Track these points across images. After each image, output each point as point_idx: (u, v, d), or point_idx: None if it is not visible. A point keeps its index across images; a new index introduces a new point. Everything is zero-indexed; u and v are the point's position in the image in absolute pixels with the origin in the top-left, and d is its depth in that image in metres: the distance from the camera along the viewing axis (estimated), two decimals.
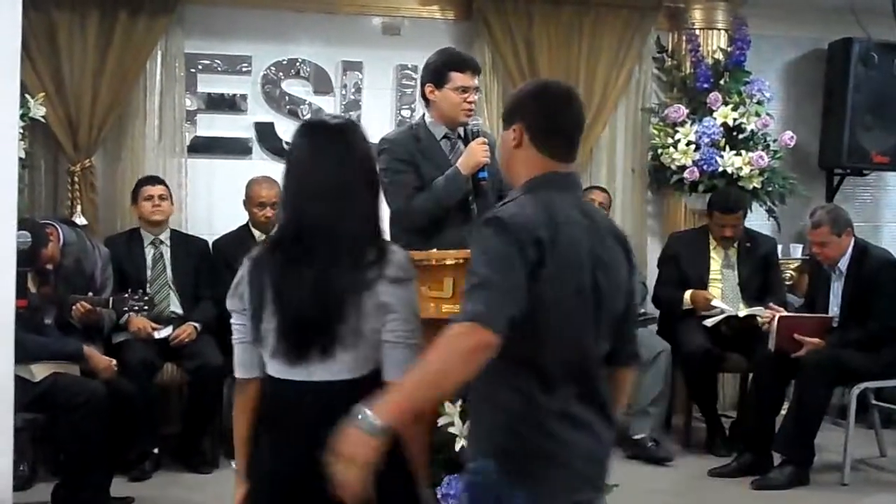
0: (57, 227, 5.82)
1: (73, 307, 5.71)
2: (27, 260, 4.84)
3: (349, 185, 2.69)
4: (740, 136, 7.49)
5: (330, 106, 7.25)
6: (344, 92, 7.31)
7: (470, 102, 4.67)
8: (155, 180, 6.50)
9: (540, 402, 2.57)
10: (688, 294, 6.84)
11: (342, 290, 2.61)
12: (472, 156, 4.53)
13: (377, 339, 2.64)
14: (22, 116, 5.79)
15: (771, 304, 6.48)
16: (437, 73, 4.68)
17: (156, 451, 6.04)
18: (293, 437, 2.66)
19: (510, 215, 2.57)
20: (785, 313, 6.35)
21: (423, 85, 4.78)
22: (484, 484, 2.62)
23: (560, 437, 2.59)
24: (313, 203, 2.67)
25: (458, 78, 4.63)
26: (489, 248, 2.51)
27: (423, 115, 4.83)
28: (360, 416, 2.40)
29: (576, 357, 2.62)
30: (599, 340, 2.67)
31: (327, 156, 2.71)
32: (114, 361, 5.57)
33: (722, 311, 6.72)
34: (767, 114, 7.56)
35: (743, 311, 6.68)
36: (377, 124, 6.94)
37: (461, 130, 4.74)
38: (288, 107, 7.23)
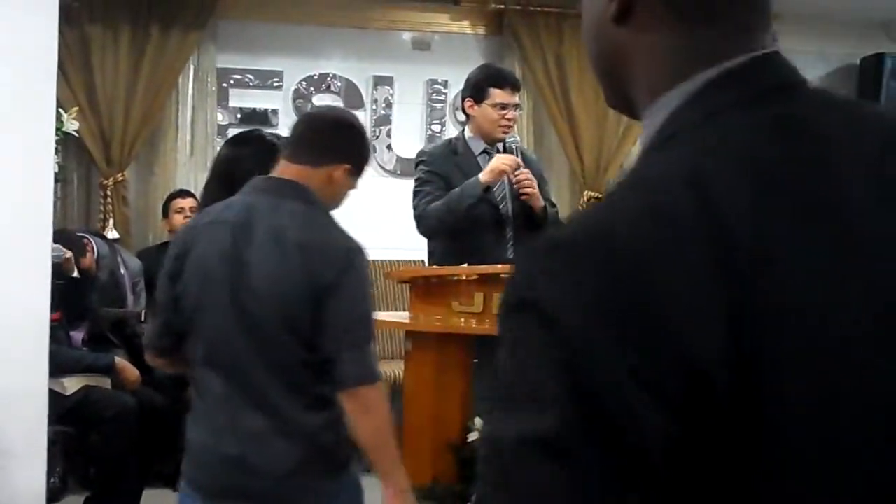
0: (91, 239, 5.85)
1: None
2: (61, 270, 4.89)
3: None
4: None
5: (360, 121, 7.27)
6: (374, 107, 7.33)
7: (508, 119, 4.70)
8: (186, 193, 6.53)
9: None
10: None
11: None
12: (493, 163, 4.55)
13: None
14: (55, 131, 5.83)
15: None
16: (476, 88, 4.72)
17: None
18: None
19: None
20: None
21: (463, 99, 4.82)
22: None
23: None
24: None
25: (496, 94, 4.66)
26: None
27: (464, 129, 4.88)
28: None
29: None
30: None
31: None
32: (138, 373, 5.59)
33: None
34: None
35: None
36: (407, 139, 6.98)
37: (500, 146, 4.76)
38: None
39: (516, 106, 4.78)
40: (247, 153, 3.43)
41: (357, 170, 2.84)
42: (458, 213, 4.53)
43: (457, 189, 4.59)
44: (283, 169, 2.80)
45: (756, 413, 0.89)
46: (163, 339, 2.89)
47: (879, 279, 0.93)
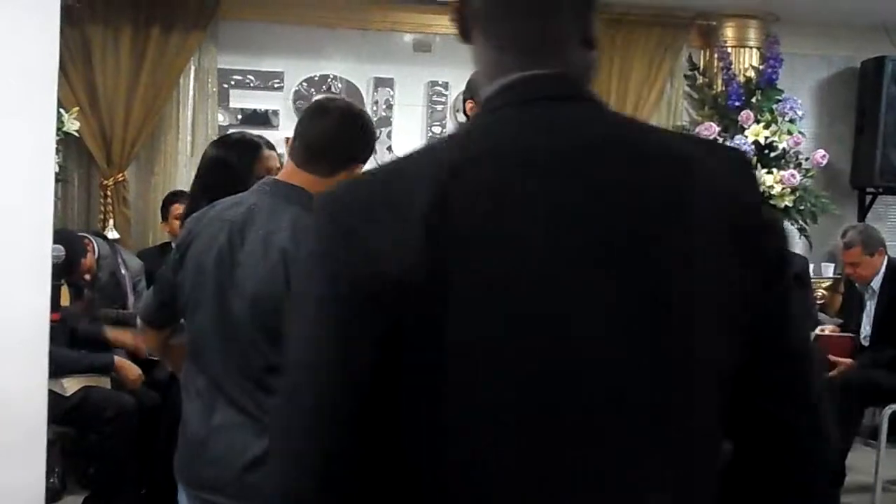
0: (92, 240, 5.86)
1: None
2: (63, 272, 4.89)
3: None
4: (772, 155, 7.47)
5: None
6: (375, 108, 7.33)
7: None
8: (184, 195, 6.53)
9: None
10: None
11: None
12: None
13: None
14: (56, 131, 5.82)
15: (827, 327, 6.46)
16: (477, 89, 4.72)
17: None
18: None
19: None
20: (823, 333, 6.32)
21: (464, 101, 4.84)
22: None
23: None
24: None
25: None
26: None
27: None
28: None
29: None
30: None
31: None
32: (139, 372, 5.59)
33: None
34: (799, 132, 7.54)
35: None
36: (407, 140, 6.97)
37: None
38: None
39: None
40: (231, 155, 3.42)
41: (365, 163, 2.83)
42: None
43: None
44: (294, 174, 2.77)
45: (443, 311, 1.23)
46: (156, 313, 2.97)
47: (545, 238, 1.26)
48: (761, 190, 7.24)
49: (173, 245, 6.40)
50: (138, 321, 3.12)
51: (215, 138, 3.57)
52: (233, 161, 3.69)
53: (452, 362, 1.24)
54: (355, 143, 2.80)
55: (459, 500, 1.27)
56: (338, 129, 2.81)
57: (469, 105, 4.84)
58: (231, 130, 7.11)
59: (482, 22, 1.45)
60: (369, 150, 2.85)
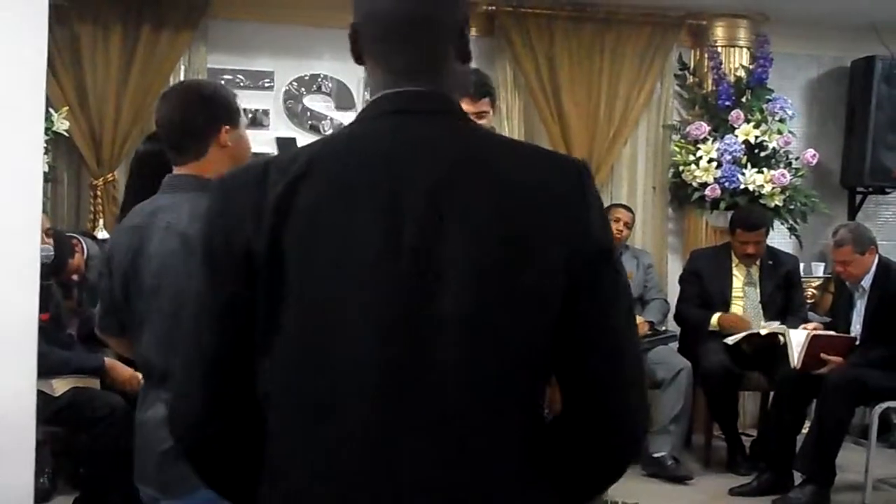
0: (81, 240, 5.84)
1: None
2: (52, 272, 4.88)
3: None
4: (762, 154, 7.48)
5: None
6: None
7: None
8: None
9: None
10: (715, 318, 6.81)
11: None
12: None
13: None
14: (45, 130, 5.81)
15: (810, 324, 6.48)
16: None
17: None
18: None
19: None
20: (821, 332, 6.32)
21: None
22: None
23: None
24: None
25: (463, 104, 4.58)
26: None
27: None
28: None
29: None
30: None
31: None
32: (138, 374, 5.58)
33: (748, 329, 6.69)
34: (790, 131, 7.55)
35: (764, 329, 6.65)
36: None
37: None
38: (310, 122, 7.26)
39: (484, 113, 4.58)
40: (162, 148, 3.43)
41: (235, 122, 2.82)
42: None
43: None
44: (180, 166, 2.82)
45: (280, 273, 1.60)
46: (102, 321, 3.03)
47: (357, 225, 1.58)
48: (751, 189, 7.27)
49: None
50: (97, 332, 3.14)
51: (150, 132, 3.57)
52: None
53: (281, 308, 1.61)
54: (202, 113, 2.80)
55: (274, 402, 1.66)
56: (175, 112, 2.82)
57: None
58: None
59: (368, 46, 1.70)
60: (226, 110, 2.83)
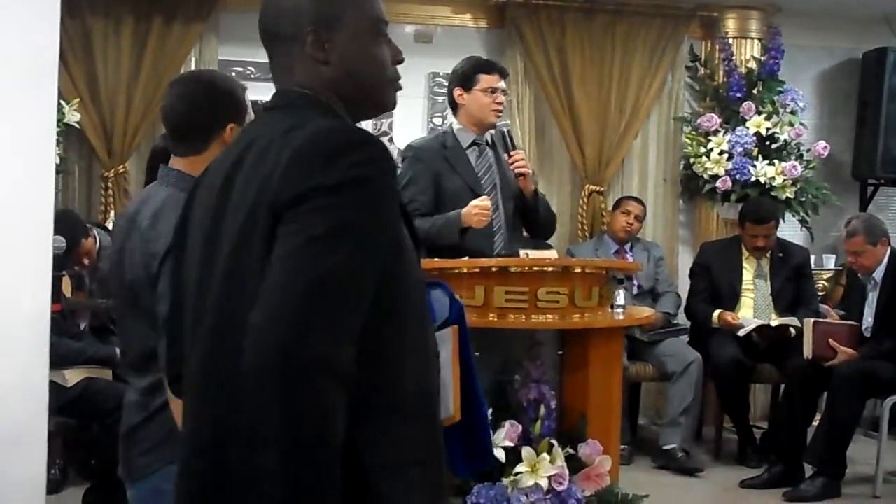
0: (94, 230, 5.85)
1: None
2: (63, 260, 4.88)
3: None
4: (773, 146, 7.46)
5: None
6: None
7: (499, 103, 4.79)
8: None
9: None
10: (716, 315, 6.80)
11: None
12: (470, 209, 4.60)
13: None
14: (57, 122, 5.82)
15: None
16: (465, 76, 4.82)
17: None
18: None
19: None
20: (821, 319, 6.33)
21: (450, 91, 4.87)
22: None
23: None
24: None
25: (486, 79, 4.78)
26: None
27: (451, 123, 4.93)
28: None
29: None
30: None
31: None
32: None
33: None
34: (801, 123, 7.53)
35: (775, 321, 6.64)
36: (408, 132, 6.96)
37: (489, 136, 4.83)
38: None
39: (504, 91, 4.88)
40: None
41: (242, 120, 2.80)
42: (433, 241, 4.55)
43: (438, 223, 4.65)
44: (174, 159, 2.79)
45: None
46: None
47: (199, 217, 1.94)
48: (762, 181, 7.25)
49: None
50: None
51: None
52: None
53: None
54: (213, 107, 2.77)
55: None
56: (182, 102, 2.79)
57: (457, 92, 4.88)
58: None
59: None
60: (236, 107, 2.82)
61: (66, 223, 5.15)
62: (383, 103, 1.99)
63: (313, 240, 1.65)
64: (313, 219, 1.66)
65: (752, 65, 7.59)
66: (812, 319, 6.23)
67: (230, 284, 1.77)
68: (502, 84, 4.84)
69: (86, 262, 5.69)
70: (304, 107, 1.87)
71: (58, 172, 6.16)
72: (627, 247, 7.09)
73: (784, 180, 7.33)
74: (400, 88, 1.99)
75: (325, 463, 1.61)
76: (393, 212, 1.77)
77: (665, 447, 6.47)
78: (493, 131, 4.93)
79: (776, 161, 7.37)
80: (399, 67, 1.98)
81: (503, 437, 4.24)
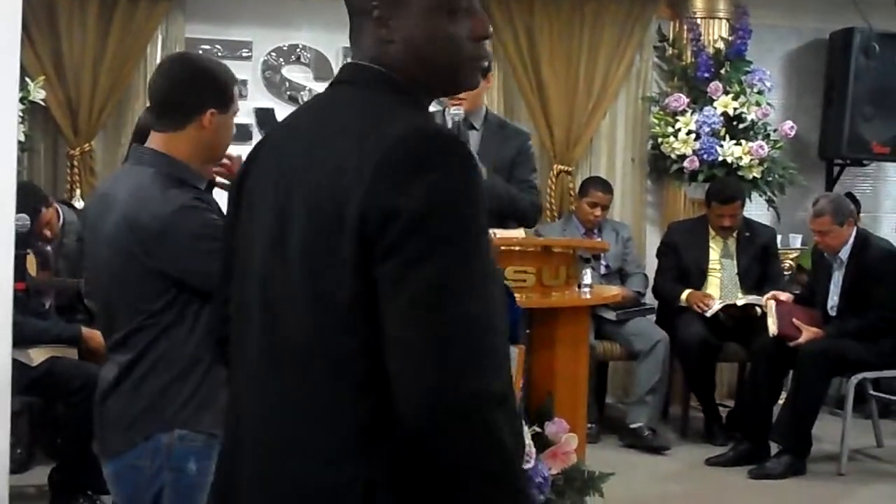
0: (58, 206, 5.77)
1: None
2: (27, 238, 4.83)
3: None
4: (740, 126, 7.48)
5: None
6: None
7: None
8: None
9: None
10: (685, 294, 6.83)
11: None
12: None
13: None
14: (21, 100, 5.77)
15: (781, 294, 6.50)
16: None
17: None
18: None
19: None
20: (782, 298, 6.36)
21: None
22: None
23: None
24: None
25: None
26: None
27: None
28: None
29: None
30: None
31: None
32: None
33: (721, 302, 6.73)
34: (768, 103, 7.55)
35: (741, 300, 6.68)
36: None
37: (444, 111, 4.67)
38: (288, 93, 7.23)
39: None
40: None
41: (225, 108, 2.79)
42: None
43: None
44: (151, 137, 2.80)
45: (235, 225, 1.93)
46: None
47: (259, 195, 1.83)
48: (730, 161, 7.27)
49: None
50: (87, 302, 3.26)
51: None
52: None
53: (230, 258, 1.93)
54: (194, 87, 2.76)
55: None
56: (165, 78, 2.80)
57: None
58: None
59: None
60: (219, 93, 2.79)
61: (26, 195, 5.08)
62: (459, 84, 1.85)
63: (431, 288, 1.55)
64: (420, 265, 1.56)
65: (720, 45, 7.61)
66: (773, 301, 6.27)
67: (317, 307, 1.65)
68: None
69: (47, 233, 5.58)
70: (376, 86, 1.75)
71: (23, 150, 6.14)
72: (595, 228, 7.09)
73: (751, 160, 7.36)
74: (483, 66, 1.86)
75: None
76: (484, 215, 1.63)
77: (632, 425, 6.50)
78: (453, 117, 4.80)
79: (743, 141, 7.39)
80: None
81: None
